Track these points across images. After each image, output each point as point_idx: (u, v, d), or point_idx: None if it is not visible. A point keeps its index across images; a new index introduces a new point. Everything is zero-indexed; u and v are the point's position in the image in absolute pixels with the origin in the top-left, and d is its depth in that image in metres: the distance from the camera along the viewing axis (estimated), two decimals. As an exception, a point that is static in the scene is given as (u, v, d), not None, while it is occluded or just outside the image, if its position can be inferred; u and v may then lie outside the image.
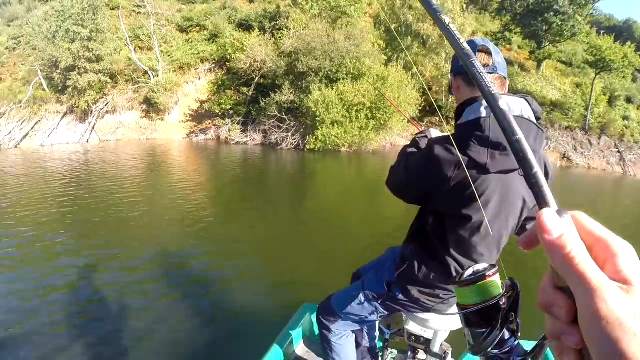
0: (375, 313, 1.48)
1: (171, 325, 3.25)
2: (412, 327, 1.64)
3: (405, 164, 1.25)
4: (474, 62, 0.43)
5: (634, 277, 0.27)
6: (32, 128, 17.21)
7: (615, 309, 0.25)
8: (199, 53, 19.72)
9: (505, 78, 1.17)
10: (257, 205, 7.66)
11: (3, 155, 14.55)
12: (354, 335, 1.67)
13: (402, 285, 1.36)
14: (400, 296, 1.37)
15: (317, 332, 1.93)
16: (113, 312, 3.48)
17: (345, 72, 14.70)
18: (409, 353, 1.81)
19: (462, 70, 1.12)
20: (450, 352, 1.59)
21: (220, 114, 16.91)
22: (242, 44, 16.89)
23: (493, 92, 0.41)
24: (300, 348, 2.04)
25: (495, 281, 0.54)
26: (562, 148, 18.19)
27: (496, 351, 0.53)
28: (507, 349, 0.54)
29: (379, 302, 1.44)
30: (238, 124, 16.56)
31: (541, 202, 0.32)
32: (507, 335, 0.53)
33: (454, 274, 1.22)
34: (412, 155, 1.27)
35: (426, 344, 1.63)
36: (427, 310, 1.37)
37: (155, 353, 2.88)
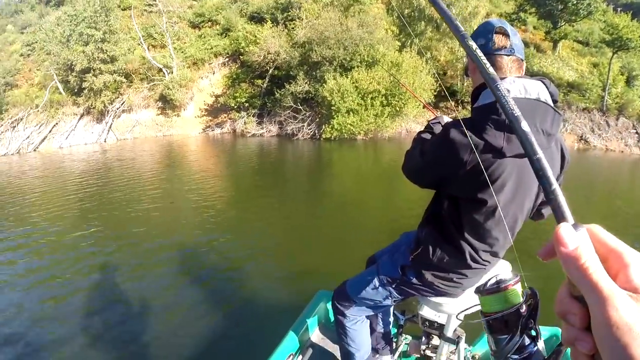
0: (390, 298, 1.48)
1: (189, 312, 3.38)
2: (426, 312, 1.66)
3: (421, 148, 1.24)
4: (498, 86, 0.46)
5: None
6: (50, 131, 17.68)
7: (625, 316, 0.27)
8: (212, 48, 19.92)
9: (523, 60, 1.15)
10: (274, 195, 7.74)
11: (22, 159, 14.94)
12: (368, 321, 1.68)
13: (417, 269, 1.37)
14: (415, 280, 1.38)
15: (332, 318, 1.97)
16: (133, 300, 3.64)
17: (359, 60, 14.75)
18: (423, 338, 1.83)
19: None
20: (463, 337, 1.59)
21: (235, 107, 17.14)
22: (255, 36, 17.02)
23: (516, 114, 0.45)
24: (315, 334, 2.04)
25: (517, 290, 0.56)
26: (579, 130, 17.97)
27: (516, 356, 0.56)
28: (527, 355, 0.56)
29: (393, 286, 1.45)
30: (253, 116, 16.78)
31: (559, 216, 0.34)
32: (527, 341, 0.56)
33: (468, 258, 1.24)
34: (427, 140, 1.27)
35: (440, 329, 1.65)
36: (441, 294, 1.38)
37: (173, 338, 3.01)
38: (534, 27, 23.32)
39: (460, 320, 1.55)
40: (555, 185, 0.37)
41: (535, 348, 0.56)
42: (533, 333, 0.55)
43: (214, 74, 19.52)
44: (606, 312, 0.27)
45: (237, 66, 18.86)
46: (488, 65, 0.49)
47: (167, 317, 3.30)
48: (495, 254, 1.27)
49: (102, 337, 3.09)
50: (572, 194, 8.55)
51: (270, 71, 16.35)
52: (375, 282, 1.47)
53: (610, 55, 21.00)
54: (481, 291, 0.59)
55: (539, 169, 0.40)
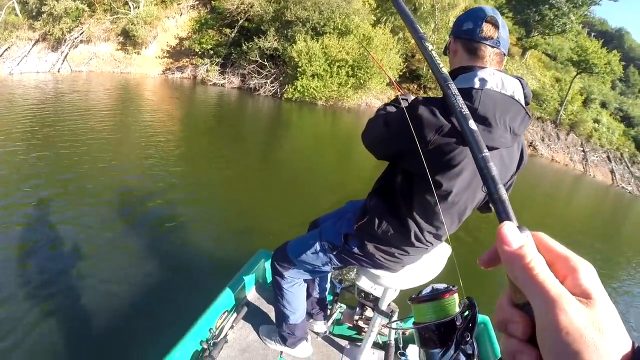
0: (329, 264, 1.49)
1: (124, 260, 3.28)
2: (363, 283, 1.69)
3: (385, 118, 1.22)
4: (449, 85, 0.49)
5: (593, 291, 0.27)
6: (1, 55, 16.40)
7: (576, 320, 0.25)
8: (183, -12, 19.13)
9: (505, 55, 1.14)
10: (227, 147, 7.64)
11: None
12: (305, 284, 1.69)
13: (360, 238, 1.37)
14: (356, 250, 1.38)
15: (269, 279, 2.03)
16: (66, 245, 3.44)
17: (332, 27, 14.81)
18: (357, 309, 1.87)
19: (464, 36, 1.11)
20: (396, 312, 1.63)
21: (199, 53, 16.72)
22: (231, -16, 16.56)
23: (464, 113, 0.46)
24: (252, 293, 2.05)
25: (453, 299, 0.54)
26: (530, 137, 19.16)
27: None
28: None
29: (334, 253, 1.45)
30: (217, 65, 16.46)
31: (502, 217, 0.34)
32: (462, 358, 0.51)
33: (413, 236, 1.24)
34: (392, 113, 1.24)
35: (375, 301, 1.68)
36: (380, 267, 1.38)
37: (104, 288, 2.91)
38: (508, 31, 24.35)
39: (395, 295, 1.58)
40: (500, 186, 0.37)
41: None
42: (469, 351, 0.50)
43: (181, 15, 18.81)
44: (555, 315, 0.25)
45: (206, 11, 18.29)
46: (441, 66, 0.52)
47: (99, 265, 3.18)
48: (439, 237, 1.29)
49: (29, 283, 2.90)
50: (515, 194, 9.34)
51: (241, 22, 16.04)
52: (317, 246, 1.48)
53: (574, 74, 22.40)
54: (414, 299, 0.56)
55: (482, 168, 0.40)
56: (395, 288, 1.52)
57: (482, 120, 1.02)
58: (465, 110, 0.46)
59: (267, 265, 2.10)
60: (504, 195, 0.35)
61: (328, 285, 1.92)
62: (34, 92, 11.99)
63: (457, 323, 0.50)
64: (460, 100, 0.47)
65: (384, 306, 1.57)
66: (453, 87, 0.49)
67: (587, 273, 0.28)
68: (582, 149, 21.72)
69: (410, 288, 1.34)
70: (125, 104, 11.22)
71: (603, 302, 0.27)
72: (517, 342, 0.28)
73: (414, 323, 0.56)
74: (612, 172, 20.35)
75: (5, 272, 2.98)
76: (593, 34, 33.80)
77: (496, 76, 1.05)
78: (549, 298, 0.26)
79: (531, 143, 19.26)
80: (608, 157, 21.22)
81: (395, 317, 1.63)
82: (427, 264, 1.41)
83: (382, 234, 1.29)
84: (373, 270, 1.42)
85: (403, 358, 1.81)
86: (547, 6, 22.05)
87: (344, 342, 1.89)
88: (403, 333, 2.00)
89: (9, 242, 3.36)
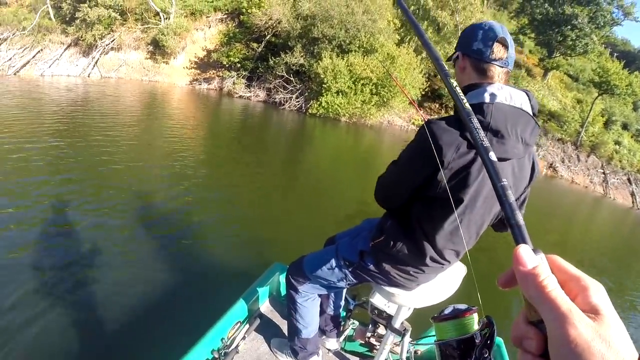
0: (344, 280, 1.50)
1: (142, 266, 3.31)
2: (376, 300, 1.69)
3: (395, 161, 1.25)
4: (472, 119, 0.52)
5: (602, 307, 0.30)
6: (34, 57, 17.19)
7: (584, 333, 0.27)
8: (212, 1, 19.89)
9: (510, 71, 1.17)
10: (250, 159, 7.78)
11: (1, 80, 14.63)
12: (319, 299, 1.70)
13: (375, 256, 1.39)
14: (372, 267, 1.40)
15: (283, 292, 2.05)
16: (86, 249, 3.45)
17: (357, 45, 15.29)
18: (370, 326, 1.88)
19: (474, 55, 1.13)
20: (409, 331, 1.63)
21: (227, 65, 17.33)
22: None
23: (485, 145, 0.49)
24: (265, 306, 2.06)
25: (473, 318, 0.56)
26: (550, 158, 19.26)
27: None
28: None
29: (350, 269, 1.46)
30: (243, 78, 17.05)
31: (518, 240, 0.36)
32: None
33: (428, 258, 1.26)
34: (401, 153, 1.24)
35: (387, 319, 1.68)
36: (395, 285, 1.40)
37: (119, 297, 2.92)
38: (530, 51, 24.56)
39: (409, 313, 1.60)
40: (517, 212, 0.40)
41: None
42: None
43: (209, 27, 19.55)
44: (565, 329, 0.28)
45: (234, 25, 18.98)
46: (465, 101, 0.57)
47: (116, 268, 3.22)
48: (457, 254, 1.30)
49: (43, 281, 2.96)
50: (534, 216, 9.43)
51: (268, 37, 16.63)
52: (333, 262, 1.50)
53: (596, 95, 22.45)
54: (436, 317, 0.59)
55: (501, 195, 0.43)
56: (410, 306, 1.52)
57: (495, 132, 1.06)
58: (487, 143, 0.50)
59: (282, 278, 2.11)
60: (521, 220, 0.38)
61: (342, 303, 1.93)
62: (65, 93, 12.59)
63: (477, 340, 0.52)
64: (481, 134, 0.51)
65: (397, 324, 1.57)
66: (475, 121, 0.53)
67: (597, 291, 0.31)
68: (602, 170, 21.66)
69: (425, 307, 1.38)
70: (152, 111, 11.70)
71: (611, 317, 0.29)
72: (531, 357, 0.31)
73: (436, 340, 0.58)
74: (632, 194, 20.24)
75: (21, 270, 3.02)
76: (615, 54, 33.73)
77: (504, 90, 1.08)
78: (559, 313, 0.29)
79: (551, 164, 19.35)
80: (629, 179, 21.11)
81: (408, 336, 1.63)
82: (442, 284, 1.42)
83: (398, 254, 1.30)
84: (388, 288, 1.43)
85: None
86: (569, 27, 22.23)
87: (355, 359, 1.92)
88: (415, 352, 2.02)
89: (24, 241, 3.42)
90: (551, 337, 0.29)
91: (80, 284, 3.00)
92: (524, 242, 0.35)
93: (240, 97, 16.48)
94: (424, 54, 16.69)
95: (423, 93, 15.90)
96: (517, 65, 22.66)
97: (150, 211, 4.51)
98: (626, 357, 0.27)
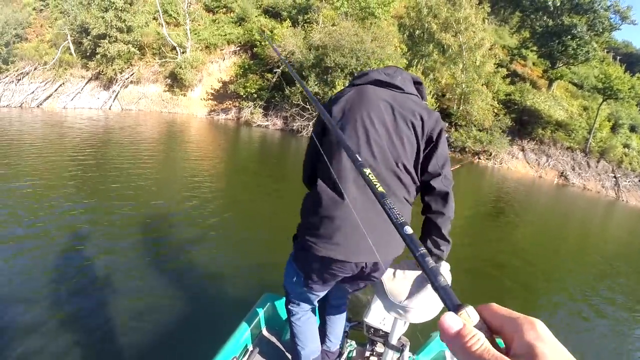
0: (304, 285, 1.46)
1: (143, 296, 3.36)
2: (371, 319, 1.72)
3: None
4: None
5: (537, 345, 0.30)
6: (56, 90, 18.43)
7: None
8: (225, 35, 21.29)
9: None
10: (267, 189, 7.99)
11: (25, 113, 15.52)
12: (314, 318, 1.67)
13: (296, 239, 1.43)
14: (299, 248, 1.40)
15: (276, 322, 2.10)
16: (89, 276, 3.59)
17: (368, 71, 16.44)
18: (368, 346, 1.91)
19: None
20: (408, 346, 1.66)
21: (244, 96, 18.56)
22: (272, 32, 18.51)
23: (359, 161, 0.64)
24: (259, 339, 2.05)
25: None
26: (560, 167, 20.14)
27: None
28: None
29: (299, 268, 1.45)
30: (260, 107, 18.26)
31: (447, 306, 0.37)
32: None
33: (327, 197, 1.28)
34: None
35: (384, 337, 1.70)
36: (309, 248, 1.30)
37: (118, 319, 3.00)
38: (533, 64, 25.65)
39: (405, 328, 1.63)
40: (439, 274, 0.40)
41: None
42: None
43: (224, 60, 20.89)
44: None
45: (247, 56, 20.30)
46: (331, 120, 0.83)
47: (119, 298, 3.31)
48: (344, 179, 1.29)
49: (48, 297, 3.16)
50: (549, 225, 10.28)
51: (282, 67, 17.89)
52: (290, 269, 1.51)
53: (601, 101, 23.38)
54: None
55: (362, 175, 0.59)
56: (404, 323, 1.56)
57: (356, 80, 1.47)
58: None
59: (272, 308, 2.15)
60: (447, 286, 0.38)
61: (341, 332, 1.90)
62: (87, 125, 13.40)
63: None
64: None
65: (394, 341, 1.59)
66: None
67: (530, 329, 0.32)
68: (613, 175, 22.44)
69: (419, 324, 1.42)
70: (172, 141, 12.45)
71: (546, 353, 0.30)
72: None
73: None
74: (645, 195, 20.91)
75: (36, 284, 3.25)
76: (619, 57, 34.77)
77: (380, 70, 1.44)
78: None
79: (562, 173, 20.22)
80: (640, 181, 21.75)
81: (407, 350, 1.65)
82: (434, 297, 1.38)
83: (305, 213, 1.36)
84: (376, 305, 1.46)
85: None
86: (569, 37, 23.30)
87: None
88: None
89: (44, 261, 3.68)
90: None
91: (68, 309, 3.07)
92: (449, 303, 0.36)
93: (259, 126, 17.67)
94: (431, 76, 17.84)
95: (433, 114, 16.95)
96: (522, 78, 23.75)
97: (159, 235, 4.73)
98: None
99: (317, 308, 1.72)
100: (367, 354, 1.92)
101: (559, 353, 0.30)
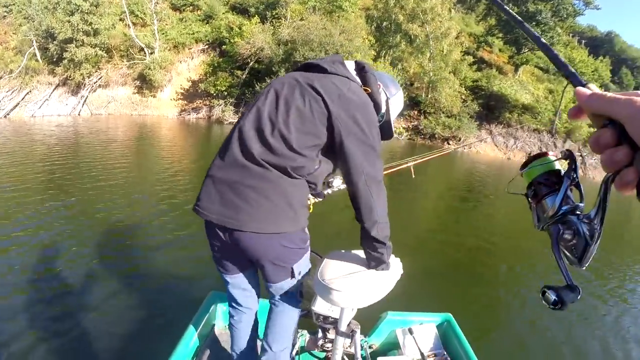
0: (216, 264, 1.50)
1: (90, 300, 3.30)
2: (318, 307, 1.72)
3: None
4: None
5: None
6: (23, 99, 17.82)
7: None
8: (193, 33, 21.34)
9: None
10: None
11: None
12: (242, 315, 1.64)
13: None
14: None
15: (225, 322, 2.05)
16: (41, 280, 3.56)
17: (337, 65, 16.88)
18: (319, 333, 1.91)
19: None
20: (358, 330, 1.68)
21: (214, 94, 18.72)
22: (240, 29, 18.72)
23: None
24: (210, 339, 2.04)
25: (554, 157, 0.60)
26: (528, 148, 21.06)
27: (566, 207, 0.53)
28: (573, 206, 0.53)
29: None
30: (231, 105, 18.47)
31: (574, 83, 0.45)
32: (570, 194, 0.55)
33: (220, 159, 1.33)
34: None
35: (334, 323, 1.71)
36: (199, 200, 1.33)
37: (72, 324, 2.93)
38: (500, 50, 26.61)
39: (354, 313, 1.65)
40: None
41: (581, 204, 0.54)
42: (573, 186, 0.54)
43: (192, 59, 20.96)
44: (633, 105, 0.36)
45: (216, 54, 20.42)
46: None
47: (79, 304, 3.25)
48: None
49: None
50: (515, 205, 10.65)
51: (251, 64, 18.13)
52: None
53: (565, 84, 24.48)
54: (522, 167, 0.62)
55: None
56: (351, 308, 1.57)
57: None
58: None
59: (220, 306, 2.11)
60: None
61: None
62: (55, 133, 13.05)
63: (562, 173, 0.56)
64: None
65: (343, 327, 1.59)
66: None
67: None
68: (579, 153, 23.60)
69: (369, 305, 1.42)
70: (143, 144, 12.32)
71: None
72: (610, 149, 0.38)
73: (528, 186, 0.61)
74: (612, 171, 22.15)
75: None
76: (584, 41, 36.26)
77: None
78: (622, 100, 0.37)
79: (530, 153, 21.05)
80: (606, 159, 22.93)
81: (358, 334, 1.67)
82: (381, 280, 1.42)
83: None
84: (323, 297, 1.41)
85: None
86: (534, 23, 24.27)
87: None
88: (370, 347, 2.14)
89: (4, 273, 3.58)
90: (627, 118, 0.37)
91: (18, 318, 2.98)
92: (580, 83, 0.44)
93: (230, 123, 17.87)
94: (399, 66, 18.39)
95: (402, 102, 17.51)
96: (489, 64, 24.64)
97: (122, 238, 4.72)
98: None
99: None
100: (320, 342, 1.92)
101: None
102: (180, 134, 15.78)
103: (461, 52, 20.96)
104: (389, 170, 2.22)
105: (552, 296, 0.51)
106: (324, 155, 1.31)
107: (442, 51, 19.34)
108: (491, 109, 20.44)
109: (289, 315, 1.55)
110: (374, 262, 1.40)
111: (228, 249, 1.36)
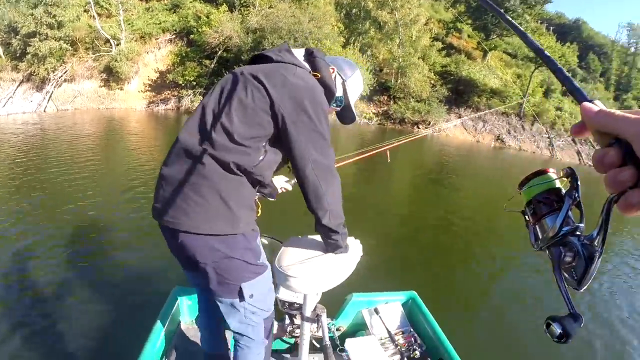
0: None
1: (51, 300, 3.21)
2: (282, 294, 1.73)
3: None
4: None
5: None
6: None
7: None
8: (160, 23, 20.95)
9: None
10: None
11: None
12: (205, 319, 1.61)
13: None
14: None
15: (192, 316, 2.05)
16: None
17: (306, 52, 16.93)
18: (287, 320, 1.92)
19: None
20: (324, 313, 1.68)
21: (182, 84, 18.51)
22: (208, 17, 18.51)
23: None
24: (177, 336, 2.00)
25: (554, 175, 0.58)
26: (497, 131, 21.72)
27: (567, 228, 0.51)
28: (574, 227, 0.52)
29: None
30: (200, 95, 18.32)
31: (578, 99, 0.43)
32: (570, 215, 0.53)
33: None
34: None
35: (300, 309, 1.70)
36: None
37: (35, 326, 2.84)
38: (468, 36, 27.16)
39: (318, 298, 1.64)
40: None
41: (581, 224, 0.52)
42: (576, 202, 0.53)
43: (159, 49, 20.60)
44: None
45: (183, 44, 20.17)
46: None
47: (46, 303, 3.17)
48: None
49: None
50: (488, 185, 11.04)
51: (219, 53, 17.99)
52: None
53: (533, 69, 25.25)
54: (521, 184, 0.60)
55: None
56: (315, 293, 1.56)
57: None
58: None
59: (186, 300, 2.08)
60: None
61: None
62: (21, 131, 12.64)
63: (563, 191, 0.55)
64: None
65: (308, 312, 1.58)
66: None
67: None
68: (547, 135, 24.46)
69: (333, 289, 1.42)
70: (111, 139, 12.11)
71: None
72: (614, 169, 0.37)
73: (526, 207, 0.59)
74: (578, 153, 22.89)
75: None
76: (552, 27, 37.27)
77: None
78: (632, 119, 0.37)
79: (498, 137, 21.81)
80: (573, 140, 23.62)
81: (324, 317, 1.67)
82: (339, 263, 1.41)
83: None
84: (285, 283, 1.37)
85: (344, 354, 1.90)
86: (502, 10, 24.84)
87: (284, 356, 1.95)
88: (338, 329, 2.17)
89: None
90: (634, 137, 0.36)
91: None
92: (586, 100, 0.42)
93: (201, 113, 17.73)
94: (369, 52, 18.59)
95: (371, 88, 17.76)
96: (457, 50, 25.15)
97: (88, 235, 4.57)
98: None
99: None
100: (289, 328, 1.92)
101: None
102: (148, 125, 15.57)
103: (430, 38, 21.33)
104: (366, 154, 2.27)
105: (557, 329, 0.48)
106: (271, 146, 1.25)
107: (412, 37, 19.64)
108: (460, 93, 20.96)
109: (254, 355, 1.41)
110: (330, 247, 1.39)
111: (175, 248, 1.30)
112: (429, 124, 17.80)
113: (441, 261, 4.97)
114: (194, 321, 2.05)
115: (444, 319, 2.20)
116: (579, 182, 0.54)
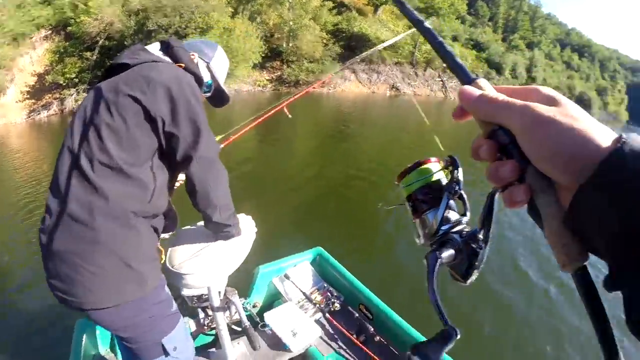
0: None
1: None
2: (186, 291, 1.59)
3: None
4: None
5: (557, 97, 0.32)
6: None
7: (546, 110, 0.30)
8: (33, 19, 19.30)
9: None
10: None
11: None
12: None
13: None
14: None
15: (105, 346, 1.91)
16: None
17: (194, 27, 16.69)
18: (201, 314, 1.86)
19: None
20: (236, 294, 1.61)
21: (64, 84, 17.23)
22: (86, 5, 17.47)
23: None
24: None
25: (436, 165, 0.54)
26: (391, 80, 23.43)
27: (445, 227, 0.49)
28: (455, 222, 0.50)
29: None
30: (84, 92, 17.38)
31: (462, 80, 0.39)
32: (455, 215, 0.51)
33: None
34: None
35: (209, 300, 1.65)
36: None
37: None
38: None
39: (225, 282, 1.54)
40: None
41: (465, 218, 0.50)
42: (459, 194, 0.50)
43: (35, 50, 19.00)
44: (526, 115, 0.31)
45: (61, 38, 18.89)
46: None
47: None
48: None
49: None
50: (387, 132, 11.60)
51: (101, 42, 17.25)
52: None
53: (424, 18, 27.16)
54: (400, 176, 0.57)
55: None
56: (218, 281, 1.49)
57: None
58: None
59: (92, 333, 1.91)
60: None
61: None
62: None
63: (443, 183, 0.52)
64: None
65: (216, 302, 1.51)
66: None
67: (546, 89, 0.34)
68: (440, 79, 26.87)
69: (238, 269, 1.39)
70: None
71: (570, 103, 0.31)
72: (493, 163, 0.34)
73: (406, 198, 0.56)
74: (472, 92, 25.64)
75: None
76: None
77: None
78: (517, 107, 0.32)
79: (393, 85, 23.58)
80: (467, 80, 26.39)
81: (236, 299, 1.60)
82: (233, 247, 1.36)
83: None
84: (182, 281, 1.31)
85: (267, 328, 1.89)
86: (385, -35, 26.17)
87: (209, 351, 1.90)
88: (254, 306, 2.15)
89: None
90: (518, 130, 0.32)
91: None
92: (467, 81, 0.38)
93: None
94: (258, 19, 18.89)
95: (263, 55, 18.27)
96: (348, 8, 26.21)
97: None
98: (599, 127, 0.29)
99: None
100: (206, 322, 1.85)
101: (576, 105, 0.32)
102: (30, 139, 13.83)
103: (321, -2, 21.97)
104: (265, 116, 2.19)
105: None
106: (157, 164, 1.16)
107: (302, 0, 20.18)
108: (352, 49, 22.06)
109: None
110: (222, 238, 1.36)
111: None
112: (323, 83, 18.82)
113: (343, 213, 5.17)
114: (109, 350, 1.90)
115: (353, 266, 2.28)
116: (459, 173, 0.51)
